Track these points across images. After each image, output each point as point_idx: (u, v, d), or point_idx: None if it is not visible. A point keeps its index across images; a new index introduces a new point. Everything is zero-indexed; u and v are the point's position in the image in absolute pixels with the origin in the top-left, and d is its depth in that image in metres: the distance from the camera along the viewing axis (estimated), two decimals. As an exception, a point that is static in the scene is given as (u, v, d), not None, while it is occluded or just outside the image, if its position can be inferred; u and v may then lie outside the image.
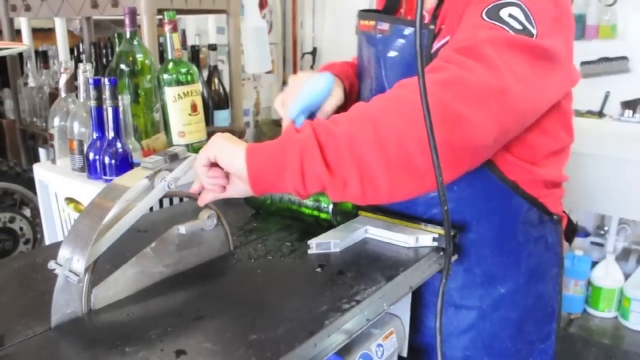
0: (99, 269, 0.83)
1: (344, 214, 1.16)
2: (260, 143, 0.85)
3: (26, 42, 2.54)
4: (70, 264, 0.80)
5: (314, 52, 4.55)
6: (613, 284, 2.56)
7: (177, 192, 0.94)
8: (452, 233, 0.85)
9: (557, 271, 1.14)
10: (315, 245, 1.04)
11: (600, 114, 2.87)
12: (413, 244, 1.05)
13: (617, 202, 2.35)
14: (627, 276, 2.65)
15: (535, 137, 1.01)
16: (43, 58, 2.49)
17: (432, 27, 1.00)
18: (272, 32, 4.39)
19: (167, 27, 1.41)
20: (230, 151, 0.85)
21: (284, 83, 4.70)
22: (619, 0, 2.76)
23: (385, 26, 1.07)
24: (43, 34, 2.91)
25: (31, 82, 2.53)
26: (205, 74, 2.26)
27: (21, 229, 2.39)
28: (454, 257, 1.04)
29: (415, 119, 0.77)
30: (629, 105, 2.79)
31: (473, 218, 1.07)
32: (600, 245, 2.80)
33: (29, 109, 2.57)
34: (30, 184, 2.39)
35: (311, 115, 1.09)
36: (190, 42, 2.87)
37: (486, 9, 0.88)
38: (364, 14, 1.14)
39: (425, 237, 1.05)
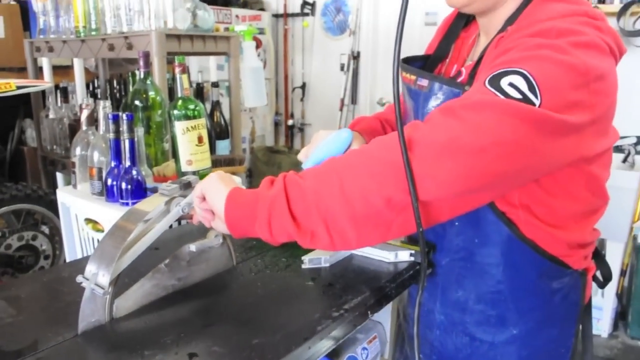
0: (119, 282, 0.84)
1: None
2: (241, 191, 0.85)
3: (48, 79, 2.56)
4: (96, 278, 0.82)
5: (303, 86, 4.62)
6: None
7: (185, 216, 0.96)
8: (426, 250, 0.87)
9: (575, 318, 1.02)
10: (308, 260, 1.06)
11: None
12: (393, 259, 1.07)
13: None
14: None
15: (559, 201, 0.89)
16: (63, 93, 2.51)
17: (467, 87, 0.90)
18: (266, 69, 4.45)
19: (177, 70, 1.45)
20: (216, 193, 0.85)
21: (277, 113, 4.75)
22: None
23: (424, 82, 0.99)
24: (62, 70, 2.94)
25: (52, 114, 2.54)
26: (207, 106, 2.29)
27: (42, 245, 2.39)
28: (429, 271, 1.06)
29: (378, 175, 0.76)
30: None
31: (492, 266, 0.97)
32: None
33: (50, 138, 2.59)
34: (50, 205, 2.40)
35: None
36: (194, 77, 2.92)
37: (490, 75, 0.77)
38: (407, 66, 1.05)
39: (404, 253, 1.07)
